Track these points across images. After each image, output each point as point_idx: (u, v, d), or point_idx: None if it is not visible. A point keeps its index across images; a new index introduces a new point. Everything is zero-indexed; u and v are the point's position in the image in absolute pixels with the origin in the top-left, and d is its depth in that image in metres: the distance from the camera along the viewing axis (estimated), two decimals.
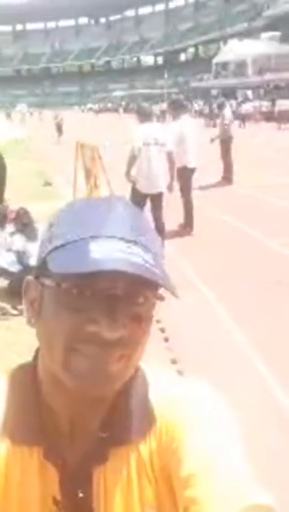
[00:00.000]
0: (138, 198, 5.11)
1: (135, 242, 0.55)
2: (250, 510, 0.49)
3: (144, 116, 5.41)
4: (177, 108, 6.59)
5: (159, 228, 5.24)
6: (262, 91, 34.73)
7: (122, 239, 0.54)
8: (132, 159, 5.12)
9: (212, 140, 9.74)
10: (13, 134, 23.42)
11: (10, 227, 4.75)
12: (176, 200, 6.41)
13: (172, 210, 6.32)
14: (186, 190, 6.44)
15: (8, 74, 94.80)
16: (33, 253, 4.20)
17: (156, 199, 5.32)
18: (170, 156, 5.31)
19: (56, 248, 0.55)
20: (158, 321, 3.82)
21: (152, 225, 0.60)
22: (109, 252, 0.51)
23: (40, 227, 4.58)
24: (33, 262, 4.17)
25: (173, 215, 6.31)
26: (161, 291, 0.57)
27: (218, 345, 3.60)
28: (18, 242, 4.55)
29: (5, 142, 18.09)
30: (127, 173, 5.22)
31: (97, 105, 58.24)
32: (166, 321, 3.85)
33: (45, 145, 19.73)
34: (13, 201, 7.98)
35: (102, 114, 49.31)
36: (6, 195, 6.75)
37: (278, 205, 7.79)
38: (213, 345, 3.60)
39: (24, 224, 4.69)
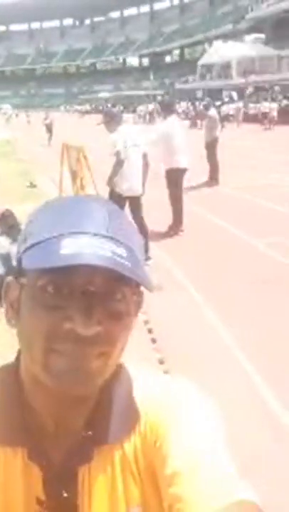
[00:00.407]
0: (118, 202, 5.07)
1: (107, 237, 0.54)
2: (234, 507, 0.50)
3: (117, 120, 5.23)
4: (166, 108, 6.54)
5: (142, 231, 5.20)
6: (247, 92, 34.99)
7: (94, 235, 0.54)
8: (120, 164, 4.98)
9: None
10: None
11: None
12: (165, 201, 6.42)
13: (161, 212, 6.33)
14: (175, 192, 6.33)
15: None
16: None
17: (136, 201, 5.23)
18: (145, 158, 5.21)
19: (30, 247, 0.55)
20: (146, 322, 3.82)
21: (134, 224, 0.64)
22: (78, 248, 0.52)
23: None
24: None
25: (162, 217, 6.32)
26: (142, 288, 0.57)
27: (205, 345, 3.61)
28: (3, 244, 4.51)
29: None
30: (112, 178, 5.07)
31: (81, 107, 57.98)
32: (153, 321, 3.85)
33: (32, 147, 19.59)
34: None
35: (87, 116, 49.14)
36: None
37: (265, 205, 7.84)
38: (201, 345, 3.60)
39: (10, 226, 4.65)
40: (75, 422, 0.62)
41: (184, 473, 0.54)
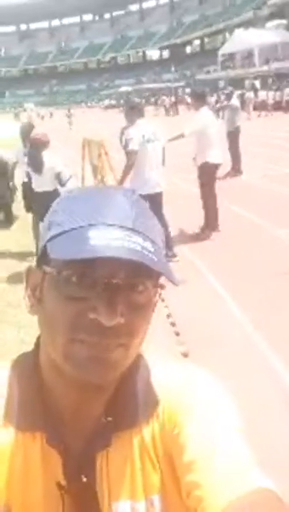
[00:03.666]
0: (152, 204, 4.96)
1: (134, 230, 0.55)
2: (253, 494, 0.50)
3: (137, 112, 5.03)
4: (198, 99, 6.04)
5: (164, 229, 5.11)
6: (270, 80, 34.34)
7: (121, 227, 0.55)
8: (131, 165, 4.79)
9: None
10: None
11: None
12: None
13: (184, 205, 6.28)
14: (208, 189, 5.90)
15: (15, 74, 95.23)
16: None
17: (154, 199, 4.93)
18: (164, 153, 5.01)
19: (56, 235, 0.55)
20: (169, 316, 3.81)
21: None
22: (108, 240, 0.52)
23: (45, 156, 5.28)
24: None
25: (184, 210, 6.28)
26: (162, 280, 0.58)
27: (229, 338, 3.57)
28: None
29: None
30: (124, 178, 4.90)
31: (107, 101, 57.83)
32: (176, 314, 3.84)
33: None
34: (19, 199, 8.03)
35: (110, 110, 48.88)
36: None
37: (287, 194, 7.70)
38: (225, 338, 3.57)
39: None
40: (94, 408, 0.63)
41: (201, 460, 0.54)
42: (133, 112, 5.01)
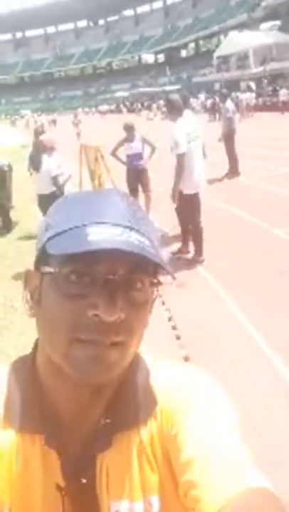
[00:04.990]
0: (195, 203, 4.80)
1: (132, 228, 0.56)
2: (248, 493, 0.50)
3: (178, 110, 4.77)
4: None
5: (195, 232, 5.02)
6: (265, 81, 34.39)
7: (119, 225, 0.55)
8: (182, 168, 4.57)
9: (219, 140, 9.57)
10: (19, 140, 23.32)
11: None
12: None
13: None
14: None
15: (11, 82, 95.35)
16: None
17: (195, 198, 4.88)
18: (204, 149, 4.88)
19: (56, 235, 0.56)
20: (170, 319, 3.79)
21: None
22: (108, 235, 0.53)
23: (44, 158, 5.69)
24: None
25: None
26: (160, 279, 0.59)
27: (231, 341, 3.55)
28: None
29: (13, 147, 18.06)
30: (177, 186, 4.67)
31: (105, 106, 57.81)
32: (177, 318, 3.81)
33: None
34: (19, 205, 8.01)
35: (109, 116, 48.76)
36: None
37: (285, 194, 7.69)
38: (226, 341, 3.55)
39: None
40: (93, 409, 0.63)
41: (198, 460, 0.55)
42: (175, 110, 4.80)
